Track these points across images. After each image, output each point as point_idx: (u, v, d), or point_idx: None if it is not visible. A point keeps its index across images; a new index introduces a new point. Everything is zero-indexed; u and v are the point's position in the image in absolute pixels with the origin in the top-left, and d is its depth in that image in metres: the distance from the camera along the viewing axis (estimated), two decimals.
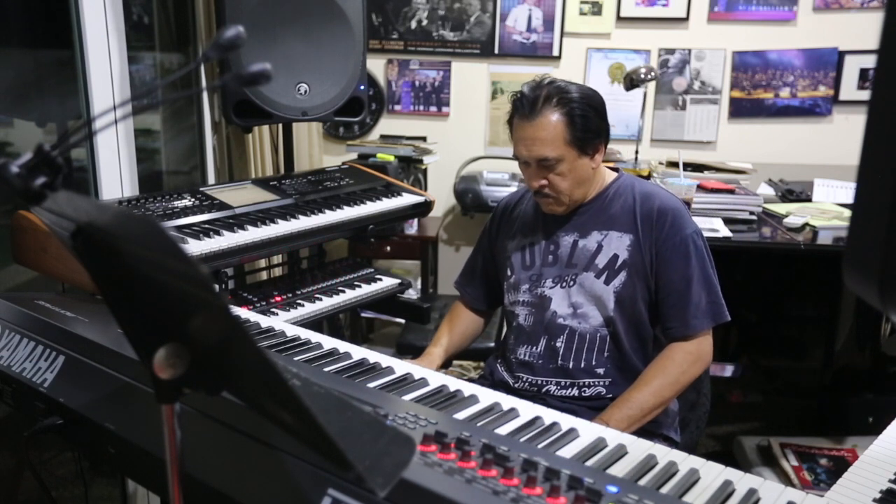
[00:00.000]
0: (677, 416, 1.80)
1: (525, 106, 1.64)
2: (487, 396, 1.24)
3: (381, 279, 2.17)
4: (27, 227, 1.64)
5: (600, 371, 1.69)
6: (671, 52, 3.61)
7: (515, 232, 1.85)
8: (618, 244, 1.70)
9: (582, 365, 1.70)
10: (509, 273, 1.83)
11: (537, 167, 1.67)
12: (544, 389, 1.72)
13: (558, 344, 1.71)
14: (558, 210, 1.73)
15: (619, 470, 1.00)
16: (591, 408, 1.70)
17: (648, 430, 1.69)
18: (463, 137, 3.76)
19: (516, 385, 1.76)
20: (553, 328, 1.72)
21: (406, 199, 2.26)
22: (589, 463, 1.02)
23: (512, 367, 1.78)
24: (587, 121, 1.64)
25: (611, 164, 1.96)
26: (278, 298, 1.95)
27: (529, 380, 1.74)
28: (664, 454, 1.05)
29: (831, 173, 3.09)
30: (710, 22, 3.56)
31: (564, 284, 1.73)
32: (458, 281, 2.02)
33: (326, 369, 1.30)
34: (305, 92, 2.27)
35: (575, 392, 1.70)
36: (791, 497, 0.94)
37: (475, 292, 1.97)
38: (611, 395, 1.70)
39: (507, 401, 1.22)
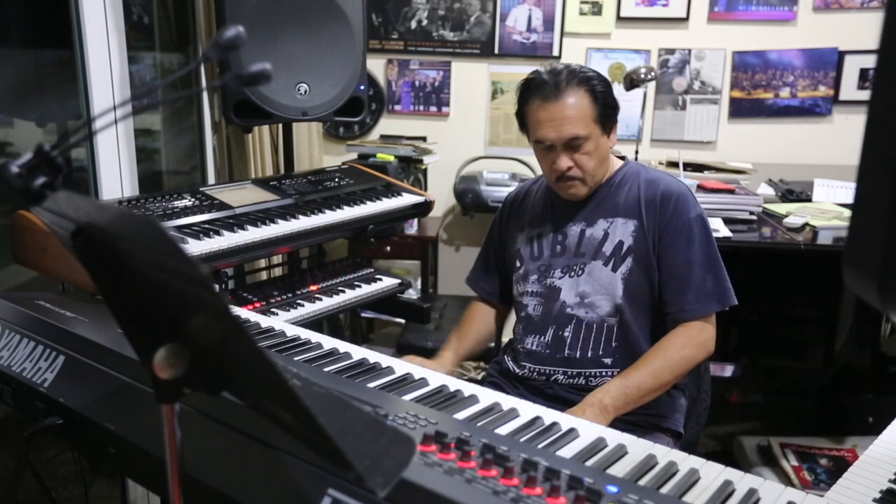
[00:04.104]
0: (685, 410, 1.79)
1: (548, 88, 1.63)
2: (487, 396, 1.24)
3: (381, 279, 2.17)
4: (27, 227, 1.64)
5: (608, 361, 1.68)
6: (671, 52, 3.61)
7: (525, 224, 1.85)
8: (623, 230, 1.70)
9: (589, 355, 1.69)
10: (518, 264, 1.83)
11: (564, 149, 1.66)
12: (552, 378, 1.72)
13: (566, 333, 1.71)
14: (582, 192, 1.72)
15: (619, 470, 1.00)
16: None
17: (655, 424, 1.69)
18: (463, 137, 3.76)
19: (522, 373, 1.76)
20: (561, 318, 1.72)
21: (406, 199, 2.26)
22: (589, 463, 1.02)
23: (519, 357, 1.78)
24: (607, 97, 1.66)
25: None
26: (278, 298, 1.95)
27: (537, 369, 1.74)
28: (664, 454, 1.05)
29: (831, 173, 3.09)
30: (710, 22, 3.56)
31: (573, 274, 1.73)
32: (471, 277, 2.01)
33: (326, 369, 1.30)
34: (305, 92, 2.27)
35: (582, 382, 1.69)
36: (791, 497, 0.94)
37: (489, 286, 1.96)
38: None
39: (507, 401, 1.22)
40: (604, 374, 1.69)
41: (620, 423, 1.55)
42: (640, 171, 1.77)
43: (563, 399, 1.68)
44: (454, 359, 1.84)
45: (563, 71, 1.65)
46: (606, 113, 1.67)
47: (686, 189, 1.73)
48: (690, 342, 1.64)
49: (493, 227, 1.97)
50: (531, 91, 1.68)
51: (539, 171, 1.84)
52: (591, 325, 1.70)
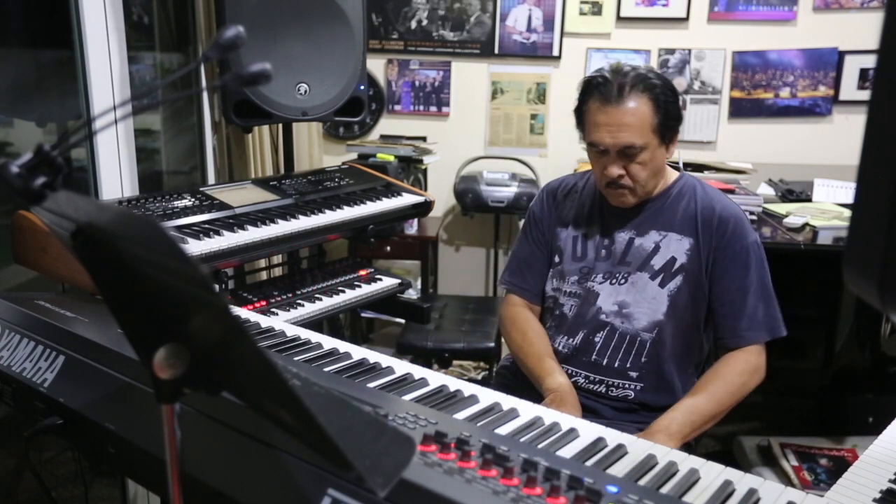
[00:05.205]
0: None
1: (610, 90, 1.58)
2: (487, 396, 1.23)
3: (381, 279, 2.17)
4: (27, 227, 1.64)
5: (633, 374, 1.66)
6: (671, 52, 3.61)
7: (568, 220, 1.79)
8: (677, 247, 1.66)
9: (616, 364, 1.66)
10: (557, 260, 1.78)
11: (617, 155, 1.60)
12: (572, 380, 1.68)
13: (596, 339, 1.68)
14: (630, 202, 1.67)
15: (619, 470, 1.00)
16: (614, 408, 1.68)
17: None
18: (463, 137, 3.76)
19: None
20: (594, 323, 1.68)
21: (406, 199, 2.26)
22: (589, 463, 1.02)
23: None
24: (670, 106, 1.61)
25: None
26: (278, 298, 1.95)
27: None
28: (664, 454, 1.05)
29: (831, 173, 3.09)
30: (710, 22, 3.56)
31: (615, 281, 1.68)
32: (511, 280, 1.87)
33: (326, 369, 1.30)
34: (305, 92, 2.27)
35: (602, 389, 1.67)
36: (791, 497, 0.94)
37: (533, 286, 1.83)
38: (638, 402, 1.67)
39: (507, 401, 1.22)
40: (626, 385, 1.66)
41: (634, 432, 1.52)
42: (696, 187, 1.72)
43: (579, 402, 1.66)
44: (563, 375, 1.70)
45: (629, 73, 1.59)
46: (668, 124, 1.60)
47: (742, 213, 1.70)
48: (748, 368, 1.62)
49: (530, 226, 1.87)
50: (592, 90, 1.62)
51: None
52: (625, 336, 1.66)
